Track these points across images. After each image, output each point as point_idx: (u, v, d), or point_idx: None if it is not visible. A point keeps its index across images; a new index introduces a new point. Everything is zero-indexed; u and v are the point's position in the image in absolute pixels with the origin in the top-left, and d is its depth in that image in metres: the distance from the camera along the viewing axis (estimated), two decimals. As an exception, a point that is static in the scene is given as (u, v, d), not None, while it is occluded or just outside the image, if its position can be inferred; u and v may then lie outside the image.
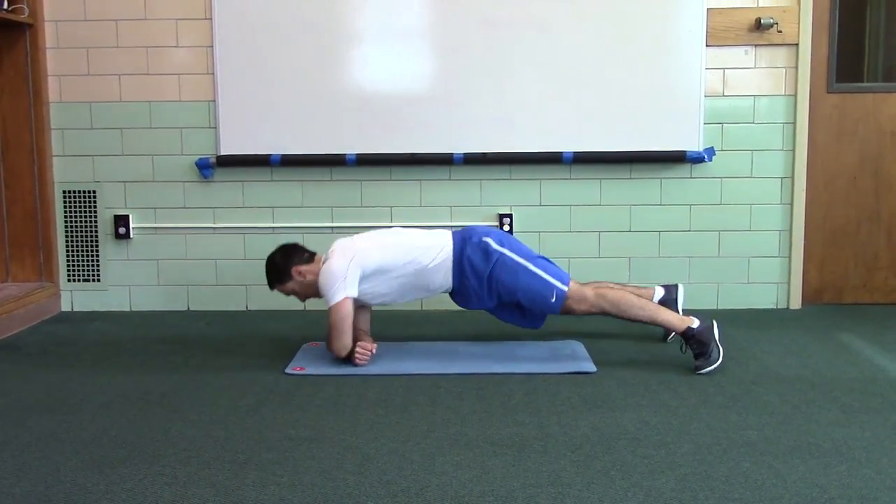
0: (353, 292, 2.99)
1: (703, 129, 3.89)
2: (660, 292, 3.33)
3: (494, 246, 3.08)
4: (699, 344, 2.96)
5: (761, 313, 3.94)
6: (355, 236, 3.18)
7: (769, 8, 3.84)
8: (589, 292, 3.07)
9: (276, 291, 3.20)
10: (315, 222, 4.02)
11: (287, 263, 3.13)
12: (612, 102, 3.88)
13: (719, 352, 2.94)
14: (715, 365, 2.92)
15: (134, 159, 4.02)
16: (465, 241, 3.11)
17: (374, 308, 3.31)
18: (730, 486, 2.03)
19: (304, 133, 3.92)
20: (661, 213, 4.00)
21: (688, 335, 2.98)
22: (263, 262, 3.18)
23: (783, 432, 2.39)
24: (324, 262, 3.08)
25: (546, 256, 3.25)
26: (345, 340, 2.99)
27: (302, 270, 3.12)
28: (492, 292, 3.09)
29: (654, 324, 3.10)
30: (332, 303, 2.97)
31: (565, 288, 3.05)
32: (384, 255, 3.06)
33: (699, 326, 2.97)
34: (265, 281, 3.17)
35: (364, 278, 3.03)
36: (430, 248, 3.10)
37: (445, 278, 3.11)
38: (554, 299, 3.05)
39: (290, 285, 3.14)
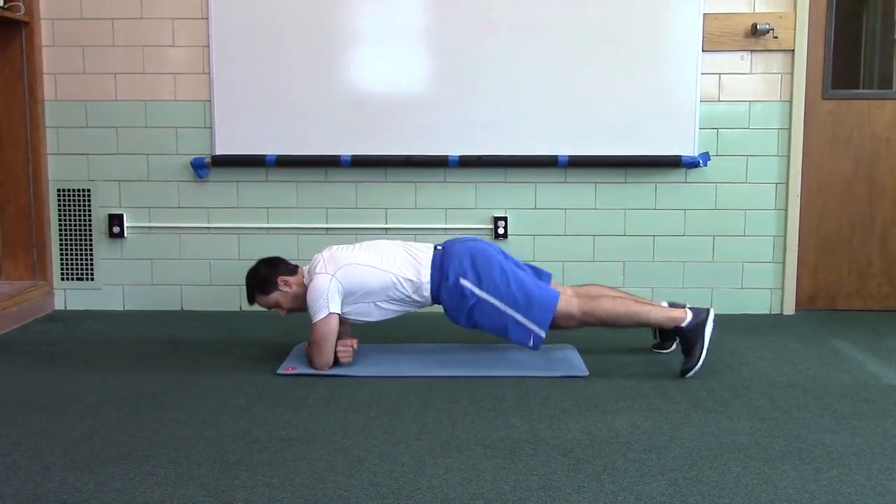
0: (337, 309, 2.99)
1: (699, 133, 3.90)
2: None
3: (470, 288, 2.98)
4: (684, 341, 2.99)
5: (755, 318, 3.95)
6: (338, 248, 3.10)
7: (765, 14, 3.85)
8: (575, 310, 3.02)
9: (255, 305, 3.19)
10: (310, 223, 4.02)
11: (272, 273, 3.12)
12: (607, 106, 3.89)
13: (701, 354, 2.91)
14: (696, 368, 2.92)
15: (129, 158, 4.02)
16: (442, 277, 3.01)
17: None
18: (720, 491, 2.03)
19: (299, 134, 3.92)
20: (655, 218, 4.00)
21: (677, 332, 3.03)
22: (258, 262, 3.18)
23: (774, 437, 2.39)
24: (308, 276, 3.07)
25: (533, 266, 3.20)
26: (326, 357, 2.99)
27: (288, 280, 3.11)
28: (469, 324, 3.06)
29: (644, 325, 3.11)
30: (316, 319, 2.98)
31: (543, 334, 2.99)
32: (365, 274, 3.00)
33: (688, 324, 2.98)
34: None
35: (346, 300, 3.01)
36: (409, 280, 3.02)
37: (426, 300, 3.08)
38: (531, 343, 3.01)
39: (273, 296, 3.11)
